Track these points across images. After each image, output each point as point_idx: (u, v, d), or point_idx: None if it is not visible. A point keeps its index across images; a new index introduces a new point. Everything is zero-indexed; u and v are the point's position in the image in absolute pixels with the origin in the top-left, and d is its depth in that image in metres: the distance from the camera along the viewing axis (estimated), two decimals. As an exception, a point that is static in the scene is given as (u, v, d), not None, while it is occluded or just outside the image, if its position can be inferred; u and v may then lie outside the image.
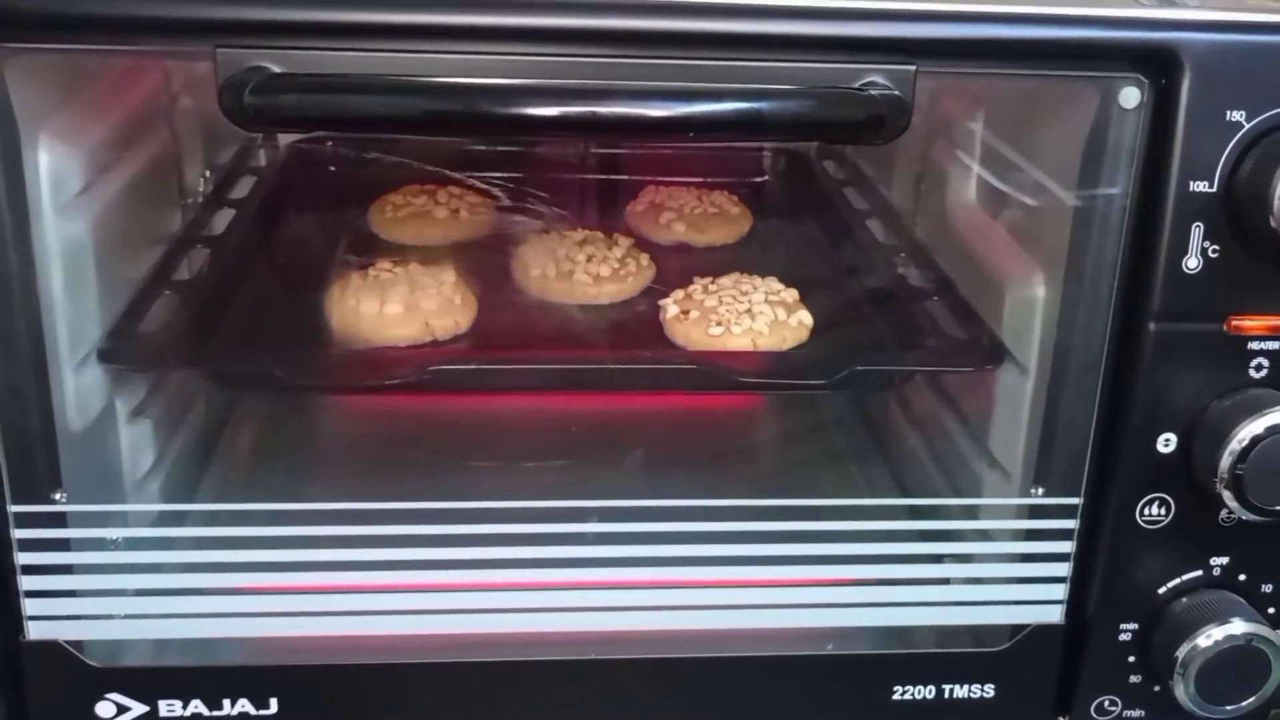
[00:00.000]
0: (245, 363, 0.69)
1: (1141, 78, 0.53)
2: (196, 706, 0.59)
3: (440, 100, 0.51)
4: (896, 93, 0.51)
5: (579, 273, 0.76)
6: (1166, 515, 0.59)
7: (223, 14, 0.49)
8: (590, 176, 0.93)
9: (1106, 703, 0.62)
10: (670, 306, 0.73)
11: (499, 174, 0.88)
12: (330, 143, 0.93)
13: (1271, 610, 0.60)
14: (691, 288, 0.75)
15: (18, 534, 0.56)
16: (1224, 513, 0.58)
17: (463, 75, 0.51)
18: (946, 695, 0.63)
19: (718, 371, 0.69)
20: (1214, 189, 0.53)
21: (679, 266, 0.80)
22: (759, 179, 0.98)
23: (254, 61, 0.49)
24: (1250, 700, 0.60)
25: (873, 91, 0.51)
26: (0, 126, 0.52)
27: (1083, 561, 0.60)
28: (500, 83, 0.51)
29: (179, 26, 0.50)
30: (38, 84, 0.55)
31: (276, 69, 0.49)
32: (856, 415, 0.87)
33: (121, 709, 0.59)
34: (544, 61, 0.51)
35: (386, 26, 0.51)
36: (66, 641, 0.58)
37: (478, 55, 0.51)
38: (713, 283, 0.75)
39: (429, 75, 0.50)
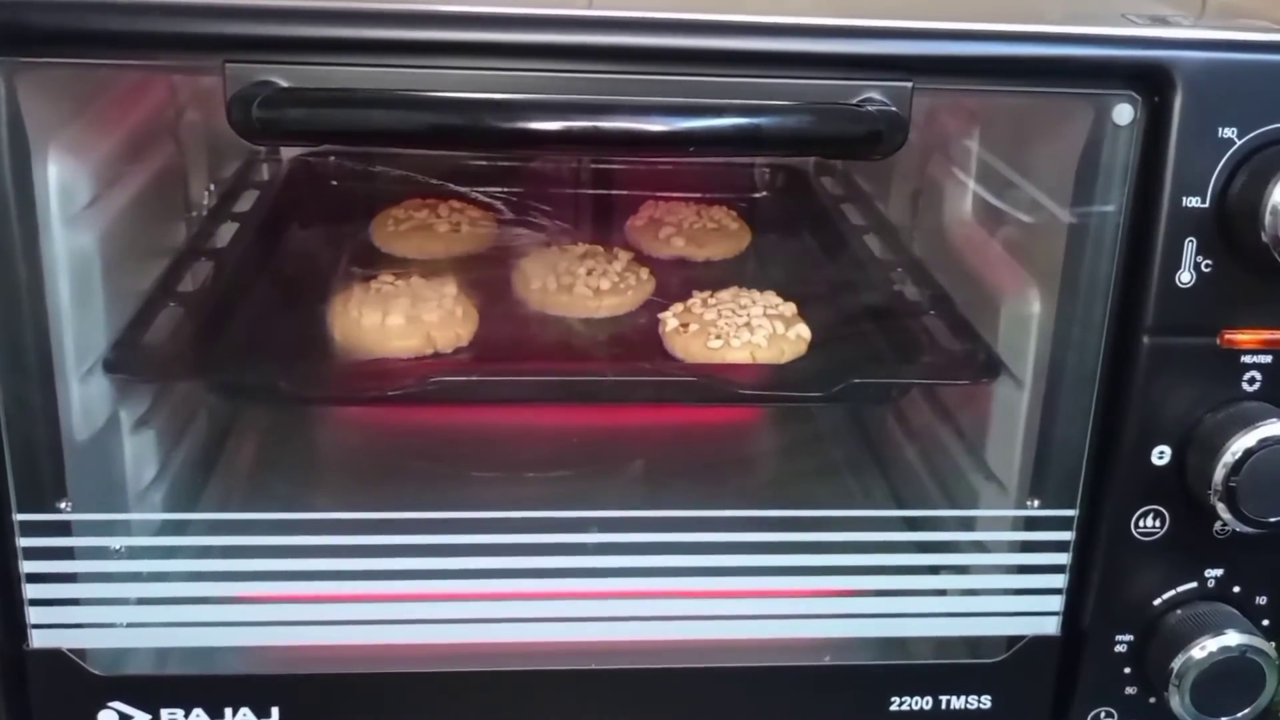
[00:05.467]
0: (249, 374, 0.69)
1: (1135, 95, 0.54)
2: (198, 715, 0.59)
3: (445, 114, 0.51)
4: (894, 109, 0.52)
5: (579, 286, 0.77)
6: (1161, 527, 0.59)
7: (232, 30, 0.50)
8: (590, 191, 0.94)
9: (1103, 714, 0.63)
10: (670, 320, 0.74)
11: (500, 188, 0.89)
12: (333, 157, 0.94)
13: (1266, 622, 0.61)
14: (691, 301, 0.75)
15: (23, 542, 0.57)
16: (1218, 525, 0.58)
17: (467, 91, 0.51)
18: (943, 706, 0.63)
19: (716, 384, 0.69)
20: (1206, 204, 0.54)
21: (678, 280, 0.80)
22: (757, 195, 0.98)
23: (262, 76, 0.50)
24: (1245, 712, 0.60)
25: (870, 108, 0.52)
26: (11, 140, 0.52)
27: (1078, 573, 0.61)
28: (504, 97, 0.51)
29: (189, 42, 0.50)
30: (48, 98, 0.55)
31: (284, 83, 0.50)
32: (853, 428, 0.87)
33: (124, 717, 0.59)
34: (547, 77, 0.51)
35: (392, 42, 0.51)
36: (69, 650, 0.58)
37: (482, 71, 0.51)
38: (712, 296, 0.76)
39: (434, 90, 0.51)
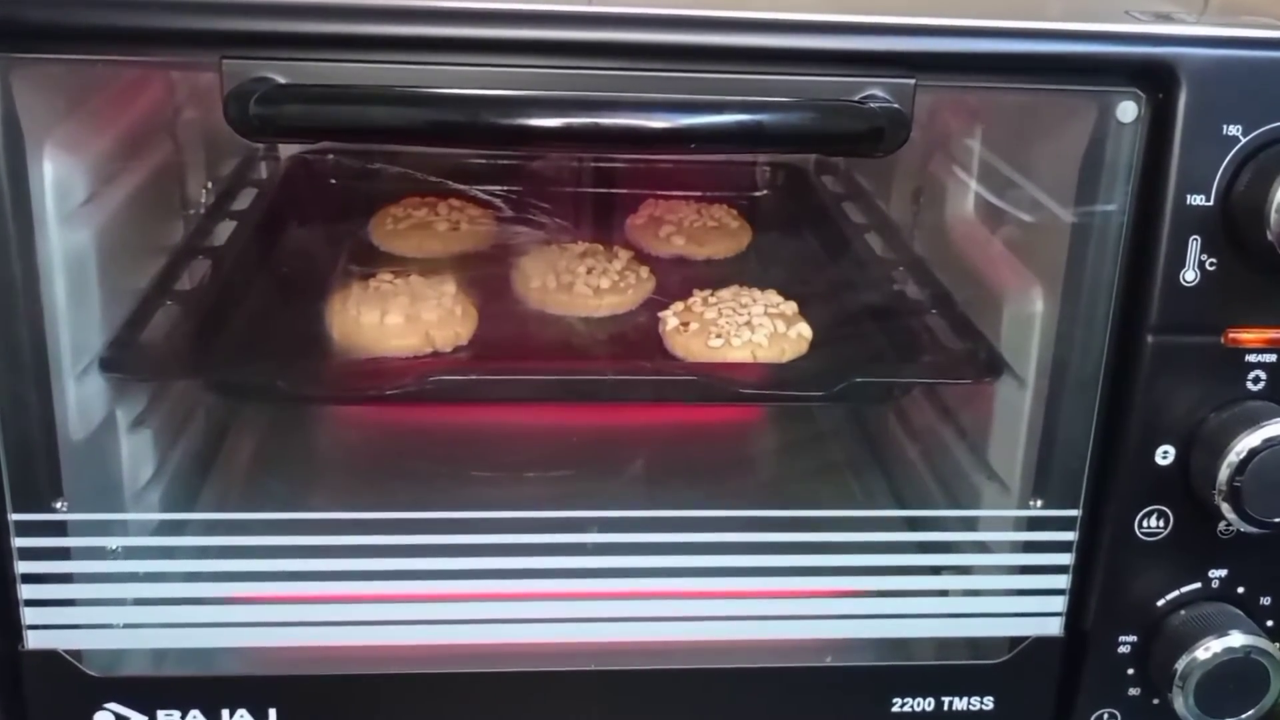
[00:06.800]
0: (246, 373, 0.69)
1: (1139, 92, 0.54)
2: (195, 717, 0.59)
3: (444, 111, 0.51)
4: (896, 106, 0.52)
5: (579, 285, 0.76)
6: (1165, 527, 0.59)
7: (229, 25, 0.50)
8: (590, 190, 0.94)
9: (1105, 715, 0.62)
10: (670, 319, 0.74)
11: (500, 186, 0.88)
12: (331, 155, 0.94)
13: (1270, 623, 0.61)
14: (691, 300, 0.75)
15: (18, 542, 0.56)
16: (1222, 525, 0.58)
17: (466, 87, 0.51)
18: (945, 708, 0.63)
19: (717, 383, 0.69)
20: (1211, 202, 0.54)
21: (679, 279, 0.80)
22: (758, 193, 0.98)
23: (259, 72, 0.49)
24: (1249, 713, 0.59)
25: (873, 104, 0.52)
26: (6, 136, 0.52)
27: (1081, 574, 0.60)
28: (504, 94, 0.51)
29: (186, 38, 0.50)
30: (44, 95, 0.55)
31: (282, 80, 0.50)
32: (854, 428, 0.87)
33: (120, 719, 0.59)
34: (548, 73, 0.51)
35: (390, 39, 0.51)
36: (65, 651, 0.58)
37: (482, 67, 0.51)
38: (712, 295, 0.75)
39: (433, 87, 0.51)
